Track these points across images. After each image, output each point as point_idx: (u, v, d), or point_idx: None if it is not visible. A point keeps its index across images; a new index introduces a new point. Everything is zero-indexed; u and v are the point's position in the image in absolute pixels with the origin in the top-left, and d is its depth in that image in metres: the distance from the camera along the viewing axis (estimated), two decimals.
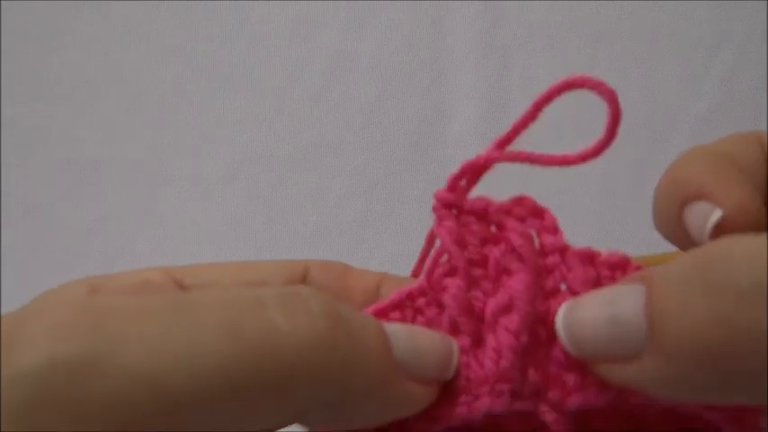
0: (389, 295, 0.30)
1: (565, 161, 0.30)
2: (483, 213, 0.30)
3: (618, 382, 0.25)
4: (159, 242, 0.72)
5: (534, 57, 0.74)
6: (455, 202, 0.30)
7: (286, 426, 0.24)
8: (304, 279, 0.32)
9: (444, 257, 0.29)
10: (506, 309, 0.27)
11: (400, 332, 0.26)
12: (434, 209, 0.30)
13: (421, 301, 0.29)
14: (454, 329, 0.28)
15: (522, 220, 0.29)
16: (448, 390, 0.27)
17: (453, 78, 0.74)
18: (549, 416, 0.26)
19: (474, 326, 0.28)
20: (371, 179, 0.73)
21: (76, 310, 0.22)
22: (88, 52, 0.75)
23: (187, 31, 0.75)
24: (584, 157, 0.30)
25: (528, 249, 0.28)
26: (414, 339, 0.27)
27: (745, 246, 0.23)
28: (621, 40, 0.74)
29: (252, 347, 0.22)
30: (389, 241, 0.72)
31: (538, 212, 0.30)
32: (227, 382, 0.22)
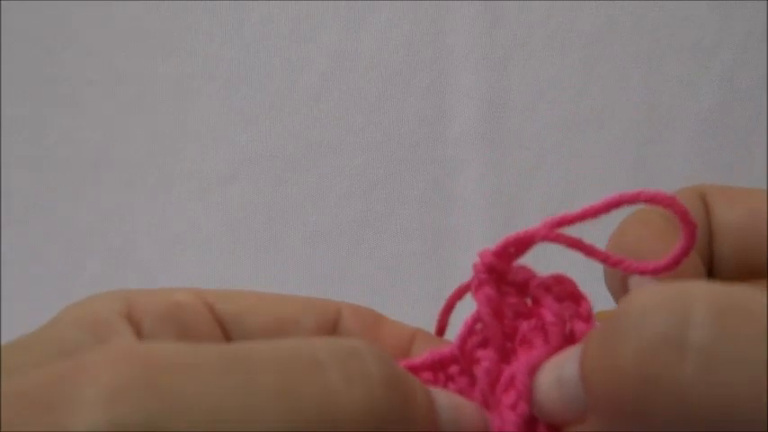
0: (422, 354, 0.30)
1: (622, 265, 0.29)
2: (523, 285, 0.29)
3: None
4: (159, 242, 0.72)
5: (534, 57, 0.74)
6: (499, 269, 0.29)
7: None
8: (336, 323, 0.31)
9: (479, 326, 0.29)
10: (508, 388, 0.27)
11: (445, 401, 0.26)
12: (476, 270, 0.29)
13: (453, 369, 0.29)
14: (485, 404, 0.28)
15: (559, 300, 0.29)
16: None
17: (453, 78, 0.74)
18: None
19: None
20: (371, 179, 0.73)
21: (132, 365, 0.21)
22: (88, 52, 0.75)
23: (187, 31, 0.75)
24: (644, 269, 0.29)
25: (556, 327, 0.28)
26: (457, 410, 0.27)
27: (643, 297, 0.22)
28: (621, 40, 0.74)
29: (308, 416, 0.21)
30: (389, 241, 0.72)
31: (576, 297, 0.29)
32: None
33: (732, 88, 0.73)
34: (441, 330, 0.34)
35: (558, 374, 0.25)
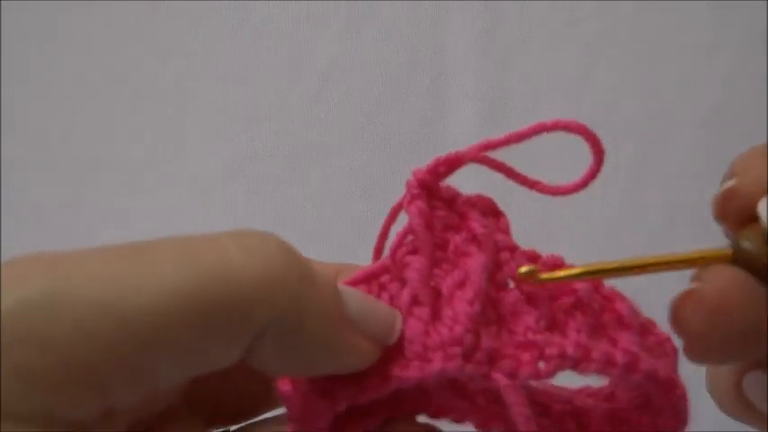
0: (356, 273, 0.31)
1: (538, 186, 0.33)
2: (450, 201, 0.32)
3: None
4: None
5: (534, 57, 0.74)
6: (430, 184, 0.32)
7: (240, 356, 0.25)
8: None
9: (409, 238, 0.31)
10: (462, 284, 0.29)
11: (353, 292, 0.28)
12: (409, 185, 0.32)
13: (385, 278, 0.31)
14: (415, 301, 0.29)
15: (483, 215, 0.31)
16: (405, 356, 0.29)
17: (453, 78, 0.74)
18: (502, 380, 0.28)
19: (434, 299, 0.29)
20: (371, 179, 0.73)
21: (38, 258, 0.23)
22: (88, 52, 0.75)
23: (187, 31, 0.75)
24: (557, 191, 0.33)
25: (487, 237, 0.30)
26: (365, 299, 0.29)
27: None
28: (621, 41, 0.74)
29: (207, 273, 0.23)
30: (389, 241, 0.72)
31: (496, 213, 0.32)
32: (186, 307, 0.23)
33: (732, 88, 0.73)
34: (377, 254, 0.36)
35: None
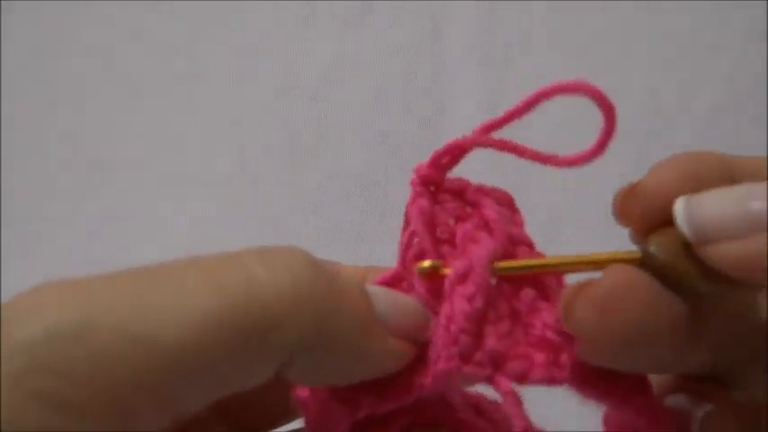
0: (374, 282, 0.30)
1: (552, 160, 0.31)
2: (460, 192, 0.30)
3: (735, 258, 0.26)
4: (160, 242, 0.72)
5: (534, 57, 0.74)
6: (434, 179, 0.30)
7: (272, 375, 0.25)
8: None
9: (416, 240, 0.30)
10: (463, 277, 0.27)
11: (380, 291, 0.28)
12: (412, 183, 0.30)
13: (403, 286, 0.30)
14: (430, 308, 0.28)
15: (499, 204, 0.30)
16: (418, 366, 0.28)
17: (453, 78, 0.74)
18: (504, 386, 0.26)
19: (439, 300, 0.28)
20: (371, 179, 0.73)
21: (64, 285, 0.24)
22: (88, 52, 0.75)
23: (187, 30, 0.75)
24: (573, 161, 0.31)
25: (500, 224, 0.29)
26: (393, 298, 0.28)
27: None
28: (621, 40, 0.74)
29: (234, 297, 0.23)
30: (389, 241, 0.72)
31: (512, 206, 0.31)
32: (215, 330, 0.23)
33: (732, 88, 0.73)
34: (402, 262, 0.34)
35: (742, 194, 0.26)
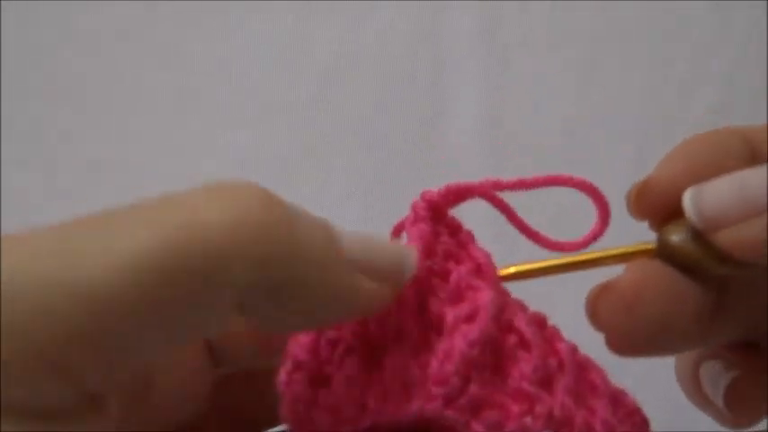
0: None
1: (540, 241, 0.32)
2: (455, 231, 0.30)
3: (738, 241, 0.27)
4: None
5: (534, 57, 0.74)
6: (439, 208, 0.30)
7: (230, 322, 0.24)
8: None
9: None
10: (469, 318, 0.27)
11: (350, 233, 0.26)
12: (415, 207, 0.30)
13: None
14: (399, 333, 0.28)
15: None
16: (384, 387, 0.27)
17: (453, 78, 0.74)
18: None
19: (423, 331, 0.28)
20: (371, 179, 0.73)
21: None
22: (88, 52, 0.75)
23: (187, 31, 0.75)
24: (564, 247, 0.31)
25: (491, 270, 0.29)
26: (367, 240, 0.26)
27: None
28: (621, 40, 0.74)
29: (175, 237, 0.22)
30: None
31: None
32: (152, 272, 0.21)
33: (732, 88, 0.73)
34: None
35: (741, 181, 0.28)
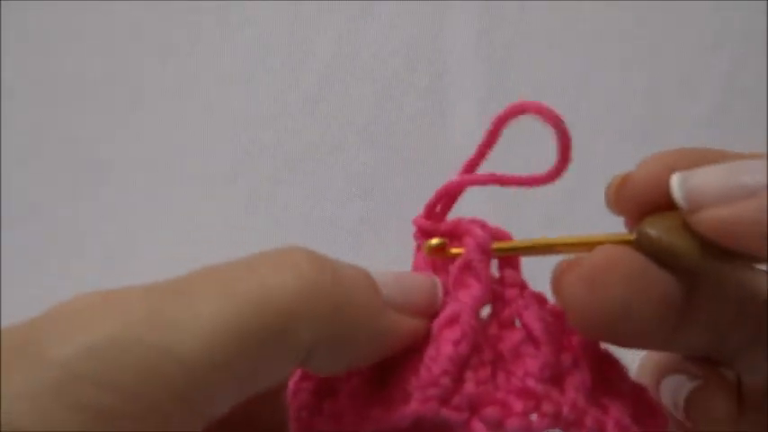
0: None
1: (532, 181, 0.32)
2: (453, 232, 0.31)
3: (729, 222, 0.27)
4: (159, 242, 0.72)
5: (534, 57, 0.74)
6: (432, 229, 0.31)
7: (295, 368, 0.27)
8: None
9: None
10: (451, 322, 0.28)
11: (383, 274, 0.29)
12: (415, 236, 0.32)
13: None
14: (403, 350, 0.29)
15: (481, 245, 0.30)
16: (385, 399, 0.28)
17: (453, 78, 0.74)
18: (479, 430, 0.26)
19: (423, 346, 0.29)
20: (371, 179, 0.73)
21: (97, 301, 0.25)
22: (88, 52, 0.75)
23: (187, 31, 0.75)
24: (547, 178, 0.32)
25: (481, 264, 0.30)
26: (399, 278, 0.29)
27: None
28: (621, 40, 0.74)
29: (248, 303, 0.25)
30: (389, 241, 0.72)
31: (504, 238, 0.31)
32: (234, 338, 0.24)
33: (732, 88, 0.73)
34: None
35: (730, 166, 0.28)
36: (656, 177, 0.30)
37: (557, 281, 0.29)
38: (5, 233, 0.72)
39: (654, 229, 0.29)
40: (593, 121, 0.73)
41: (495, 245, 0.30)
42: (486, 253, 0.30)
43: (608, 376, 0.30)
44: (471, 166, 0.32)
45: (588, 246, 0.30)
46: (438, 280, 0.30)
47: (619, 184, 0.31)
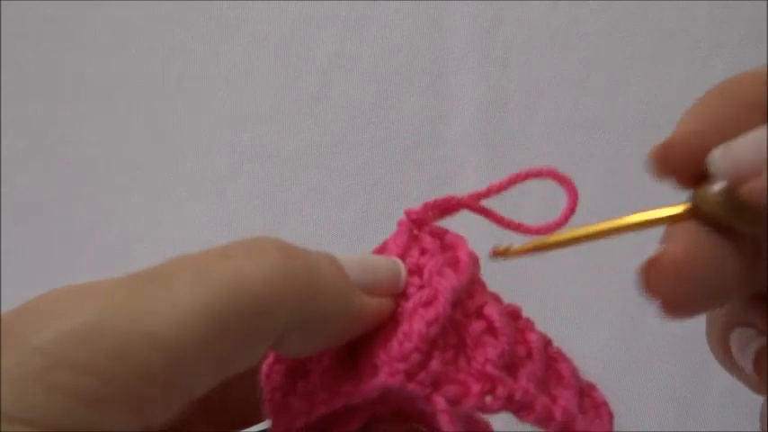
0: None
1: (525, 230, 0.35)
2: (439, 235, 0.33)
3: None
4: (159, 242, 0.72)
5: (534, 57, 0.74)
6: (420, 221, 0.33)
7: (269, 351, 0.28)
8: None
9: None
10: (428, 303, 0.30)
11: (350, 258, 0.30)
12: (400, 222, 0.34)
13: None
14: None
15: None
16: (356, 374, 0.30)
17: (453, 78, 0.74)
18: (440, 404, 0.28)
19: (393, 323, 0.30)
20: (371, 179, 0.73)
21: (76, 290, 0.25)
22: (88, 52, 0.75)
23: (187, 31, 0.75)
24: (543, 230, 0.34)
25: (468, 263, 0.32)
26: (364, 261, 0.31)
27: None
28: (621, 40, 0.74)
29: (224, 287, 0.26)
30: None
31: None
32: (209, 323, 0.25)
33: None
34: None
35: (760, 136, 0.29)
36: (696, 137, 0.31)
37: (645, 280, 0.30)
38: (5, 233, 0.73)
39: (706, 201, 0.30)
40: (594, 120, 0.73)
41: (545, 239, 0.32)
42: (475, 259, 0.33)
43: (558, 371, 0.32)
44: (480, 196, 0.35)
45: (643, 225, 0.31)
46: (401, 262, 0.32)
47: (660, 151, 0.32)
